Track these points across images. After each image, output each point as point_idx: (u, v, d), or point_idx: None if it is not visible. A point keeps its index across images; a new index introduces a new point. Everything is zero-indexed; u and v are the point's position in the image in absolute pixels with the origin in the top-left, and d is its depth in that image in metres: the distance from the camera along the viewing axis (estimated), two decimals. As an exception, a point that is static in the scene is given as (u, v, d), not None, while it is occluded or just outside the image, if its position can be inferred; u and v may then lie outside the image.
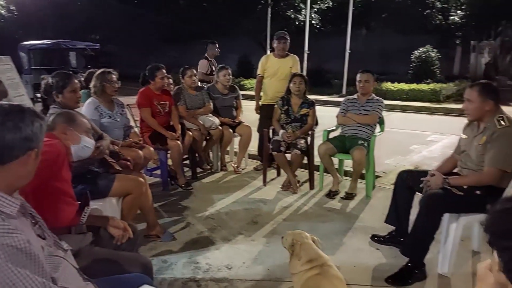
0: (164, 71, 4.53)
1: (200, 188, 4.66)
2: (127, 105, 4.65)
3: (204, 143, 5.10)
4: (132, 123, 4.51)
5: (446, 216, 2.81)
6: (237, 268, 2.92)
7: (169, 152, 4.46)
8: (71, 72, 3.43)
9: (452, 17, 15.05)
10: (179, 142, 4.42)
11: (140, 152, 3.77)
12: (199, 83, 5.43)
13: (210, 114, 5.09)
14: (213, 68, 6.34)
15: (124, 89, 4.77)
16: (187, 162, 5.08)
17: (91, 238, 2.03)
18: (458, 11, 14.96)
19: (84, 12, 19.48)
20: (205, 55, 6.59)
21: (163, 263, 2.96)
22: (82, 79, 4.65)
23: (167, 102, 4.62)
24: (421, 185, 2.90)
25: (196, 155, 5.07)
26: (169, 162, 4.60)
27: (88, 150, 2.41)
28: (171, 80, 5.21)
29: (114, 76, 3.91)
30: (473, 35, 15.35)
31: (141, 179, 3.12)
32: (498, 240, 1.09)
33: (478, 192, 2.66)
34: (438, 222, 2.73)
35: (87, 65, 12.69)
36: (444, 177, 2.81)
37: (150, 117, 4.47)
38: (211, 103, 5.14)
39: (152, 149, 4.11)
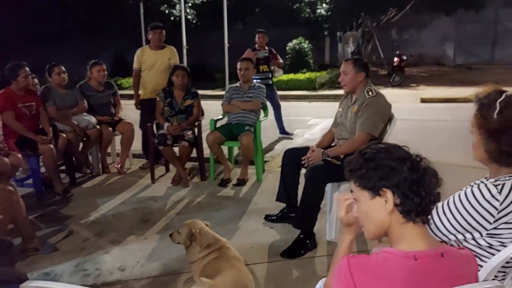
0: (27, 69, 4.04)
1: (81, 193, 4.29)
2: (-16, 111, 4.06)
3: (81, 144, 4.71)
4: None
5: (329, 186, 3.00)
6: (131, 268, 2.75)
7: (41, 158, 4.03)
8: None
9: (319, 10, 16.18)
10: (51, 146, 4.00)
11: (6, 159, 3.32)
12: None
13: (85, 113, 4.70)
14: (263, 56, 6.51)
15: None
16: (63, 167, 4.63)
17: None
18: (324, 5, 16.12)
19: None
20: (254, 46, 6.46)
21: (46, 276, 2.66)
22: None
23: (33, 103, 4.15)
24: (302, 162, 3.06)
25: (73, 158, 4.66)
26: (42, 169, 4.16)
27: None
28: (36, 80, 4.69)
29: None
30: (338, 27, 16.73)
31: (10, 188, 2.76)
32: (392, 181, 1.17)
33: (353, 160, 2.89)
34: (322, 192, 2.91)
35: None
36: (323, 150, 3.02)
37: (15, 121, 3.97)
38: (85, 102, 4.74)
39: (20, 155, 3.65)
